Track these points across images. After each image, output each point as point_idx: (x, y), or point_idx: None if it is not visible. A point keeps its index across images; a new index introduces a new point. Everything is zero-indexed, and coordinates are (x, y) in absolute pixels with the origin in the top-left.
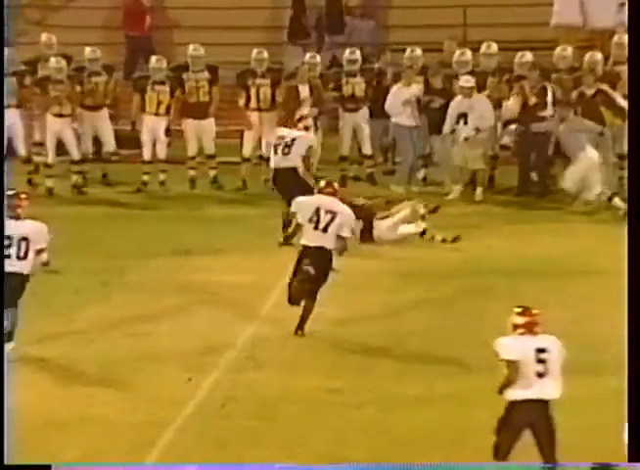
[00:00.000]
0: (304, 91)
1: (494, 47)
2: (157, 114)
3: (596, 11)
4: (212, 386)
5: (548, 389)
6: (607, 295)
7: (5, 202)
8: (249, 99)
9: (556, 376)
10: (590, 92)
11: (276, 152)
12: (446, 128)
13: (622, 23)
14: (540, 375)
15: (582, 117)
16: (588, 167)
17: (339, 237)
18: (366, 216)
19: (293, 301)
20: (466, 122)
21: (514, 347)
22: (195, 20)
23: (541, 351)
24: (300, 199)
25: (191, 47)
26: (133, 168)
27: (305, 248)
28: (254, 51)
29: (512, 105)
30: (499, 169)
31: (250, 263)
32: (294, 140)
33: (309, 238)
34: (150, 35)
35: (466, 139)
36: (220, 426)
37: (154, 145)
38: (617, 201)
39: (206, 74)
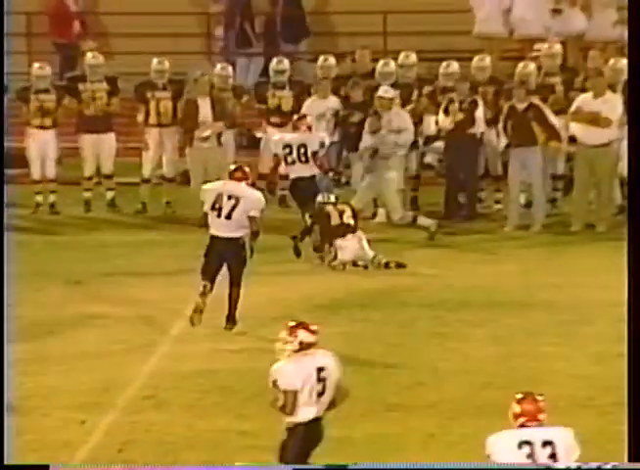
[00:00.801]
0: (205, 105)
1: (413, 57)
2: (42, 126)
3: (525, 19)
4: (109, 428)
5: (324, 406)
6: (540, 328)
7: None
8: (148, 113)
9: (331, 393)
10: (522, 106)
11: (289, 162)
12: (362, 145)
13: (556, 31)
14: (320, 394)
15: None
16: (385, 189)
17: (250, 218)
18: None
19: None
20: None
21: (294, 374)
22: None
23: (321, 369)
24: (206, 186)
25: (89, 55)
26: (22, 190)
27: (213, 238)
28: (154, 61)
29: (442, 121)
30: (423, 190)
31: (149, 293)
32: (305, 145)
33: (215, 227)
34: (78, 43)
35: (374, 152)
36: None
37: (42, 162)
38: (422, 220)
39: (105, 85)
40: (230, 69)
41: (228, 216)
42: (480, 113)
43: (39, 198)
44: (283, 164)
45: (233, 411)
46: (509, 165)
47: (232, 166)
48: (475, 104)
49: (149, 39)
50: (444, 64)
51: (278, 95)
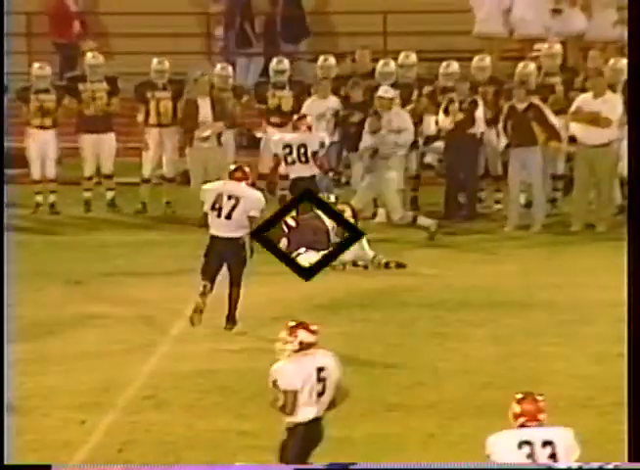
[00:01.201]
0: (205, 105)
1: (413, 57)
2: (42, 126)
3: (525, 19)
4: (109, 428)
5: (324, 406)
6: (540, 328)
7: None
8: (148, 113)
9: (331, 393)
10: (522, 106)
11: (289, 162)
12: (362, 145)
13: (556, 31)
14: (320, 394)
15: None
16: (385, 189)
17: (250, 218)
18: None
19: None
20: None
21: (294, 374)
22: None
23: (321, 369)
24: (206, 186)
25: (89, 55)
26: (22, 190)
27: (213, 238)
28: (154, 61)
29: (442, 121)
30: (423, 190)
31: (149, 293)
32: (305, 145)
33: (215, 227)
34: (78, 43)
35: (374, 152)
36: None
37: (42, 162)
38: (422, 220)
39: (105, 85)
40: (230, 69)
41: (228, 216)
42: (480, 113)
43: (39, 198)
44: (283, 164)
45: (233, 411)
46: (509, 165)
47: (232, 166)
48: (475, 104)
49: (149, 39)
50: (444, 64)
51: (278, 95)
